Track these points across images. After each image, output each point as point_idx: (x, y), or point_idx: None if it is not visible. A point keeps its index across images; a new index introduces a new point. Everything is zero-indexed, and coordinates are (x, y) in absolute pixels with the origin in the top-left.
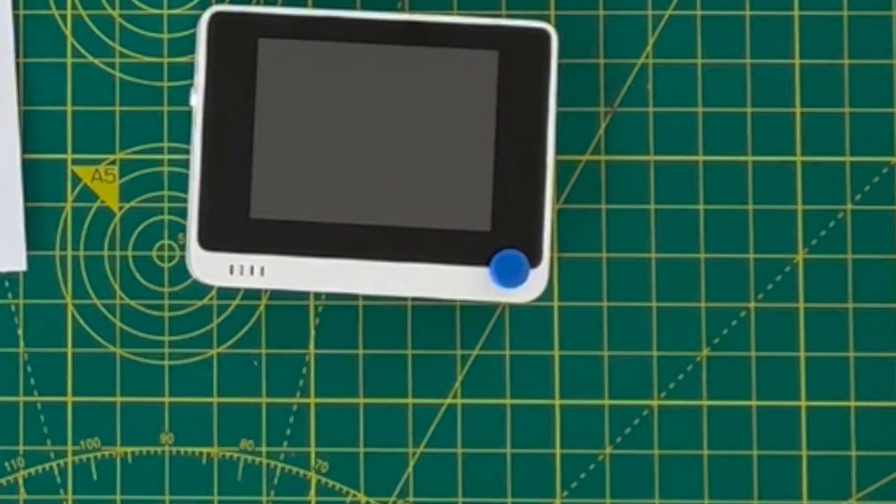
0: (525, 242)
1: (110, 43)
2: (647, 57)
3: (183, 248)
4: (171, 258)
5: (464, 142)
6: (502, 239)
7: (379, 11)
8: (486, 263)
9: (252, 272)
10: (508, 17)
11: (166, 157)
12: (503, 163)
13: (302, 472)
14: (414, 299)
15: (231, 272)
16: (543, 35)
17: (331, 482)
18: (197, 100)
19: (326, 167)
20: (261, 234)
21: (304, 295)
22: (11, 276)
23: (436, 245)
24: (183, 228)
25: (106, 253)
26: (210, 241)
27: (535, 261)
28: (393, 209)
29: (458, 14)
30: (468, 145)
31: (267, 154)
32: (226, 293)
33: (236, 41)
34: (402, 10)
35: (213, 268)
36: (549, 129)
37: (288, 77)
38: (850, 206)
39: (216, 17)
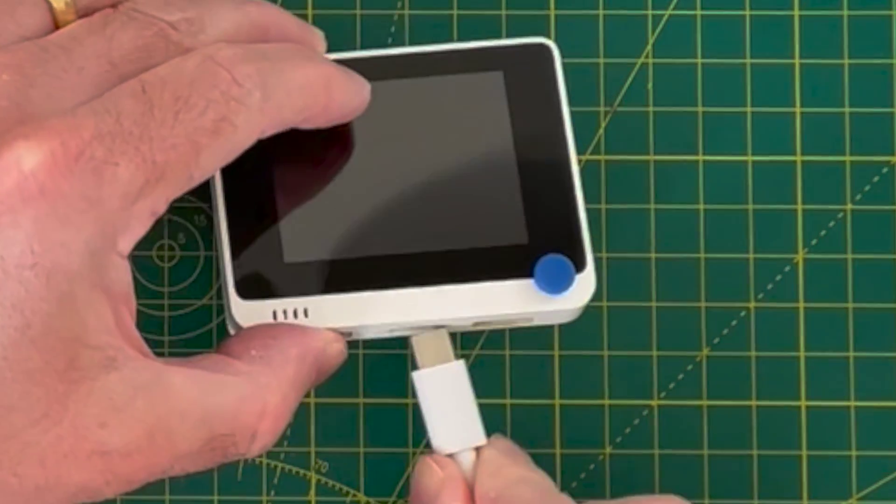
0: (566, 248)
1: None
2: (647, 57)
3: (183, 248)
4: (171, 258)
5: (486, 160)
6: (542, 248)
7: (380, 49)
8: (530, 274)
9: (296, 315)
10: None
11: None
12: (529, 174)
13: (302, 472)
14: None
15: (275, 317)
16: (544, 49)
17: (331, 482)
18: None
19: (352, 203)
20: (298, 276)
21: None
22: None
23: (476, 264)
24: (183, 229)
25: None
26: (248, 290)
27: (579, 265)
28: (426, 236)
29: (457, 41)
30: (490, 163)
31: (291, 197)
32: None
33: None
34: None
35: (255, 315)
36: (568, 134)
37: None
38: (850, 206)
39: None
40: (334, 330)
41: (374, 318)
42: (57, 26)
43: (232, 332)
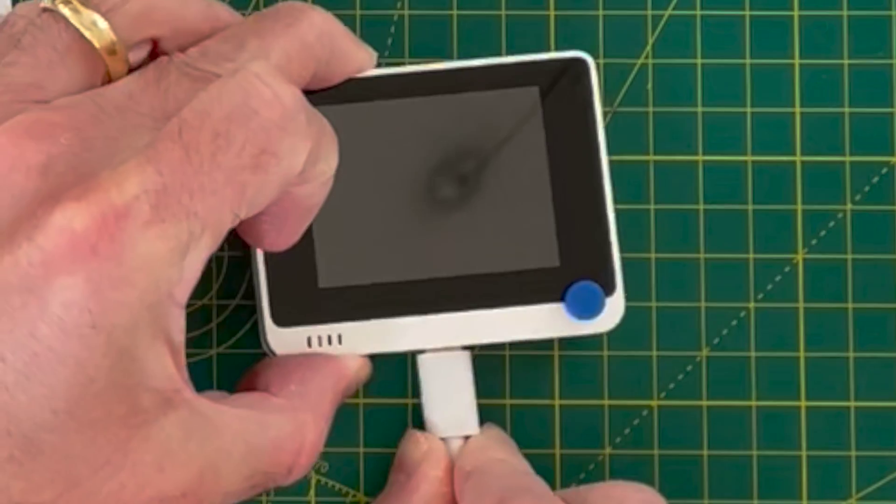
0: (596, 272)
1: None
2: (647, 57)
3: None
4: None
5: (519, 180)
6: (573, 272)
7: (412, 66)
8: (561, 299)
9: (330, 342)
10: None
11: None
12: (562, 195)
13: None
14: None
15: (309, 344)
16: (580, 63)
17: (331, 482)
18: None
19: (387, 226)
20: (332, 302)
21: None
22: None
23: (508, 288)
24: None
25: None
26: (284, 316)
27: (608, 289)
28: (460, 259)
29: (492, 56)
30: (524, 183)
31: (326, 222)
32: (226, 293)
33: None
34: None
35: (291, 342)
36: (603, 154)
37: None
38: (850, 206)
39: None
40: (366, 355)
41: (406, 343)
42: (107, 70)
43: (266, 349)
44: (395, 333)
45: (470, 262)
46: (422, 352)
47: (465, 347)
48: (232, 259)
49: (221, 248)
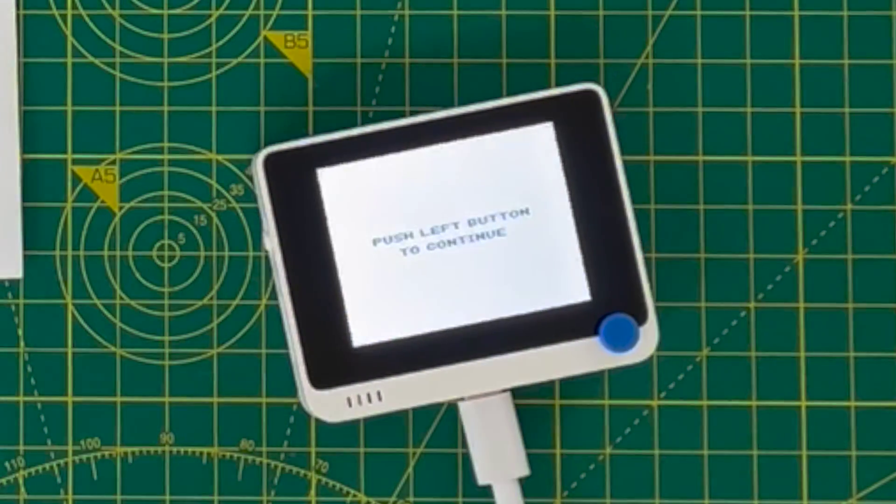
0: (628, 303)
1: (110, 43)
2: (647, 57)
3: (183, 248)
4: (171, 258)
5: (542, 218)
6: (605, 304)
7: (426, 114)
8: (595, 332)
9: (370, 399)
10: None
11: (166, 157)
12: (586, 229)
13: (302, 472)
14: None
15: (349, 404)
16: (592, 96)
17: (331, 482)
18: (271, 243)
19: (415, 279)
20: (368, 360)
21: None
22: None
23: (542, 328)
24: (183, 229)
25: (106, 253)
26: (321, 379)
27: (641, 318)
28: (491, 303)
29: (505, 97)
30: (547, 221)
31: (354, 280)
32: (226, 293)
33: (295, 176)
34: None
35: (331, 405)
36: (622, 186)
37: (355, 199)
38: (850, 206)
39: (271, 158)
40: (408, 409)
41: (446, 393)
42: None
43: (307, 411)
44: (435, 384)
45: (502, 305)
46: (462, 399)
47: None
48: (232, 259)
49: (221, 248)
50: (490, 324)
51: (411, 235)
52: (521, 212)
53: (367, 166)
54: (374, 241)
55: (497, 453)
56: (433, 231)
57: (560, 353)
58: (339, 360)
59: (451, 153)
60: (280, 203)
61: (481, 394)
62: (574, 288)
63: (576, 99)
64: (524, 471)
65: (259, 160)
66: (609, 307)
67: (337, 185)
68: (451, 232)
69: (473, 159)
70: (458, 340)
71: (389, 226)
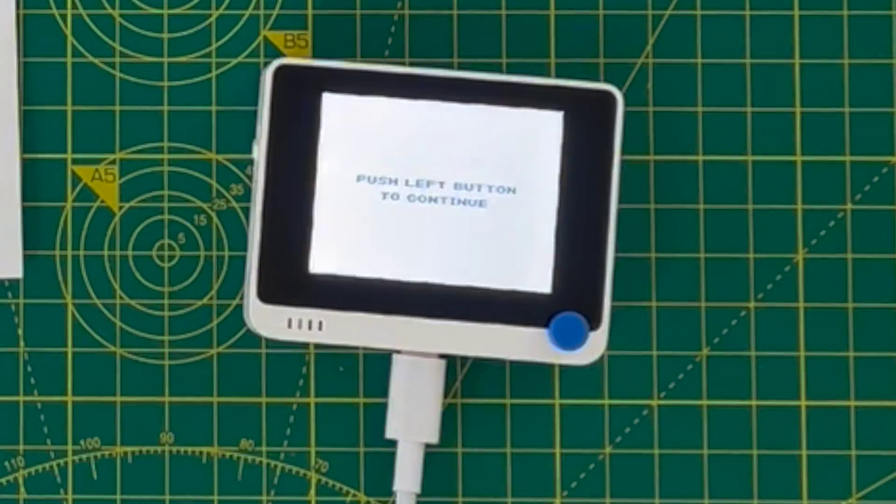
0: (585, 305)
1: (110, 43)
2: (647, 57)
3: (182, 248)
4: (171, 258)
5: (526, 202)
6: (562, 301)
7: (445, 70)
8: (546, 325)
9: (310, 326)
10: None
11: (166, 156)
12: (565, 225)
13: (302, 472)
14: None
15: (289, 325)
16: (609, 97)
17: (331, 482)
18: (259, 151)
19: (387, 224)
20: (319, 289)
21: None
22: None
23: (495, 306)
24: (183, 229)
25: (106, 253)
26: (269, 294)
27: (594, 323)
28: (453, 268)
29: (525, 75)
30: (530, 206)
31: (328, 209)
32: (226, 293)
33: (300, 94)
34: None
35: (271, 320)
36: (613, 194)
37: (351, 132)
38: (850, 206)
39: (281, 70)
40: (343, 345)
41: (386, 342)
42: None
43: (247, 325)
44: (377, 330)
45: (463, 273)
46: (398, 352)
47: (442, 356)
48: (232, 259)
49: (221, 248)
50: (446, 287)
51: (395, 182)
52: (508, 189)
53: (373, 104)
54: (358, 178)
55: (413, 413)
56: (418, 184)
57: (505, 334)
58: (291, 281)
59: (458, 114)
60: (278, 115)
61: (418, 352)
62: (537, 277)
63: (592, 96)
64: (433, 438)
65: (270, 69)
66: (565, 304)
67: (338, 113)
68: (435, 189)
69: (477, 126)
70: (411, 294)
71: (377, 167)
